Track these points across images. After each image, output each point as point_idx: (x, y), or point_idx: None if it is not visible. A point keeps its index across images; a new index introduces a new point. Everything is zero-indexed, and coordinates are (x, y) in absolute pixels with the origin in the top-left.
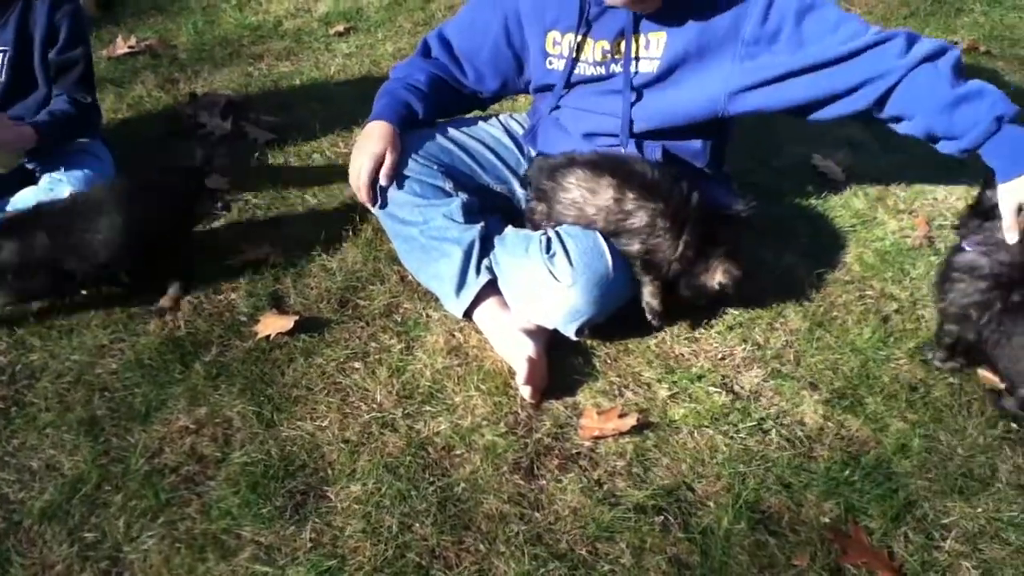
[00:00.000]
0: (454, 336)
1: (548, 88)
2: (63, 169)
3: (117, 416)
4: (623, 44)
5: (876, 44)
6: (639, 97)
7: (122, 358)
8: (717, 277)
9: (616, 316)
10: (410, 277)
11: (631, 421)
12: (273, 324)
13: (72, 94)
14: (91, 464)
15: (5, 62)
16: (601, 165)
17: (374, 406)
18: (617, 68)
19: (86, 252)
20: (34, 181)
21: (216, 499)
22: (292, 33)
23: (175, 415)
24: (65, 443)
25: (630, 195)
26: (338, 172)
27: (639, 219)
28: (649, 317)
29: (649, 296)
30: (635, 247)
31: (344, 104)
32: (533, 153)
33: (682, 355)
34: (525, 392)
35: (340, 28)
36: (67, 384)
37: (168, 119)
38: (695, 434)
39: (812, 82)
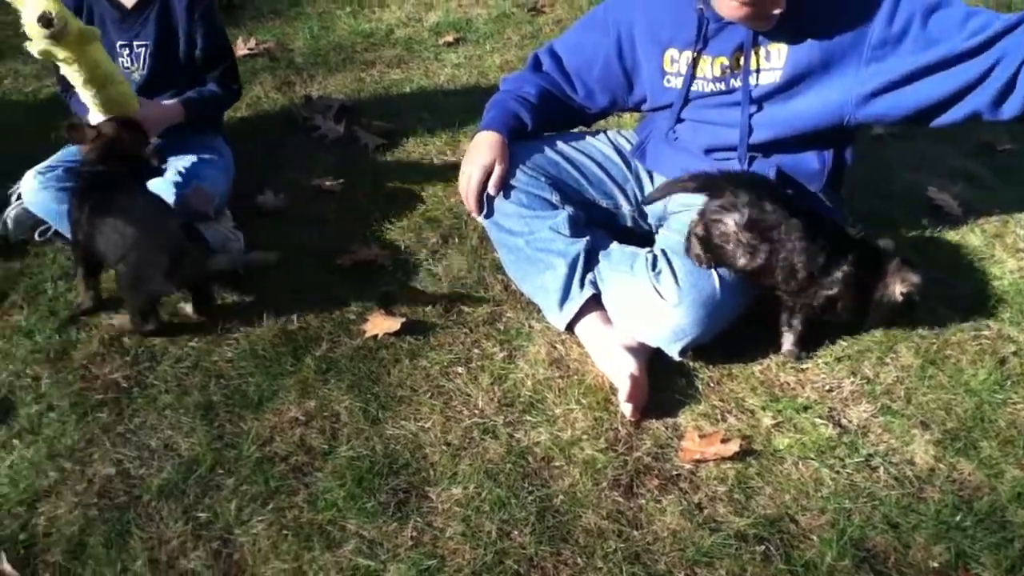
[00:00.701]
0: (556, 348)
1: (666, 107)
2: (190, 162)
3: (231, 403)
4: (742, 58)
5: (1006, 31)
6: (759, 108)
7: (237, 347)
8: (899, 288)
9: (720, 338)
10: (513, 287)
11: (734, 447)
12: (380, 324)
13: (221, 81)
14: (206, 447)
15: (147, 56)
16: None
17: (476, 412)
18: (737, 83)
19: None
20: (159, 173)
21: (323, 490)
22: (403, 41)
23: (286, 406)
24: (182, 425)
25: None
26: (445, 179)
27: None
28: (791, 359)
29: (791, 344)
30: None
31: (452, 113)
32: (641, 170)
33: (787, 384)
34: (626, 409)
35: (450, 38)
36: (185, 369)
37: (284, 120)
38: (799, 465)
39: (943, 79)
